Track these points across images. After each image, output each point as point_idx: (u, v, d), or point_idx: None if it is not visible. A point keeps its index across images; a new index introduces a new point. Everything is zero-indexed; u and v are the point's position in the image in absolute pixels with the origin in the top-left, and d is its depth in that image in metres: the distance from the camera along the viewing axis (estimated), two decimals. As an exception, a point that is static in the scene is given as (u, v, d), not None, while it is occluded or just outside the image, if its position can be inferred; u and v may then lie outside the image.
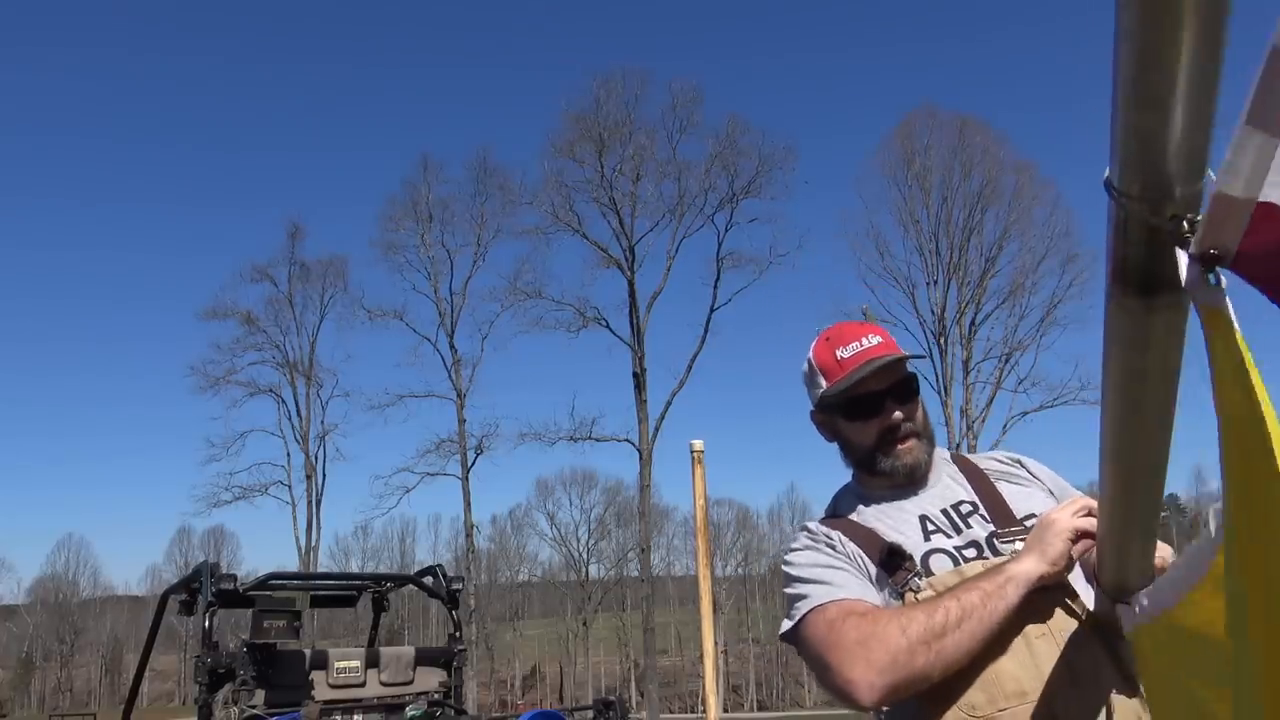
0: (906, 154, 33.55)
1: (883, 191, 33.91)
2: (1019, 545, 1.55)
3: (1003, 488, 1.73)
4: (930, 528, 1.65)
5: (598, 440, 33.51)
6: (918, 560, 1.57)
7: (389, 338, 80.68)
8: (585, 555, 65.23)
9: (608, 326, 33.88)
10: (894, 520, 1.68)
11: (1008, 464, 1.81)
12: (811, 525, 1.74)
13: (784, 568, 1.69)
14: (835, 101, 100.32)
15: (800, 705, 65.84)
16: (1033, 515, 1.63)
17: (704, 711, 4.88)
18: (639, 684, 57.94)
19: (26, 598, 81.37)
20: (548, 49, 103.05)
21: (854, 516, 1.71)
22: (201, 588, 5.60)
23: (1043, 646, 1.46)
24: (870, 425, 1.69)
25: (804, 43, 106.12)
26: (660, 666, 35.93)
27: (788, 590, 1.65)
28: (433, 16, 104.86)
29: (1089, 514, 1.44)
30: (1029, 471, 1.80)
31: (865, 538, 1.64)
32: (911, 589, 1.53)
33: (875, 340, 1.70)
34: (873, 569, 1.59)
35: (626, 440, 33.22)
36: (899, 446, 1.68)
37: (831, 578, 1.59)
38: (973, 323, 32.55)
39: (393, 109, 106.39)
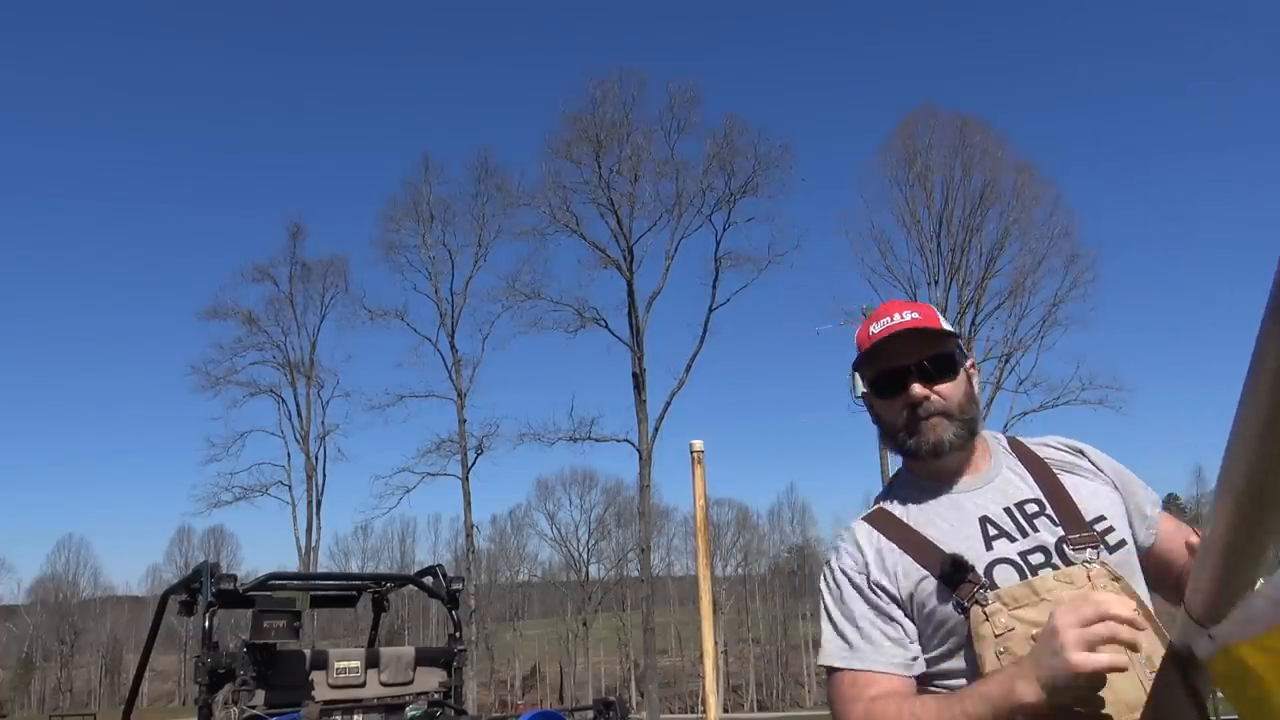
0: (908, 154, 33.58)
1: (884, 191, 33.96)
2: (1089, 554, 1.44)
3: (1066, 481, 1.59)
4: (992, 531, 1.52)
5: (597, 440, 33.52)
6: (980, 571, 1.46)
7: (389, 338, 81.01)
8: (585, 555, 65.32)
9: (607, 327, 33.92)
10: (952, 522, 1.55)
11: (1068, 453, 1.66)
12: (860, 533, 1.61)
13: (821, 586, 1.61)
14: (835, 101, 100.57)
15: (800, 705, 65.82)
16: (1102, 517, 1.52)
17: (704, 711, 4.88)
18: (639, 684, 57.93)
19: (26, 598, 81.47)
20: (548, 49, 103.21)
21: (908, 518, 1.59)
22: (201, 588, 5.58)
23: (1119, 679, 1.30)
24: (896, 402, 1.60)
25: (804, 43, 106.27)
26: (660, 666, 35.94)
27: (822, 614, 1.59)
28: (433, 16, 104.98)
29: (1103, 618, 1.22)
30: (1091, 462, 1.65)
31: (922, 549, 1.52)
32: (979, 602, 1.42)
33: (910, 316, 1.61)
34: (929, 584, 1.49)
35: (626, 440, 33.27)
36: (921, 424, 1.58)
37: (855, 637, 1.51)
38: (973, 323, 32.56)
39: (393, 109, 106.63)
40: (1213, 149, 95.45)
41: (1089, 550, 1.45)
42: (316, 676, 5.68)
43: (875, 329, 1.62)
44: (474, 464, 35.57)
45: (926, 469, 1.62)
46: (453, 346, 36.72)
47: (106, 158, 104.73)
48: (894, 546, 1.55)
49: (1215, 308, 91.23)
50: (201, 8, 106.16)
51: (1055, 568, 1.45)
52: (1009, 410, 32.16)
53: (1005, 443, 1.70)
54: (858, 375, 1.68)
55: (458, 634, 6.47)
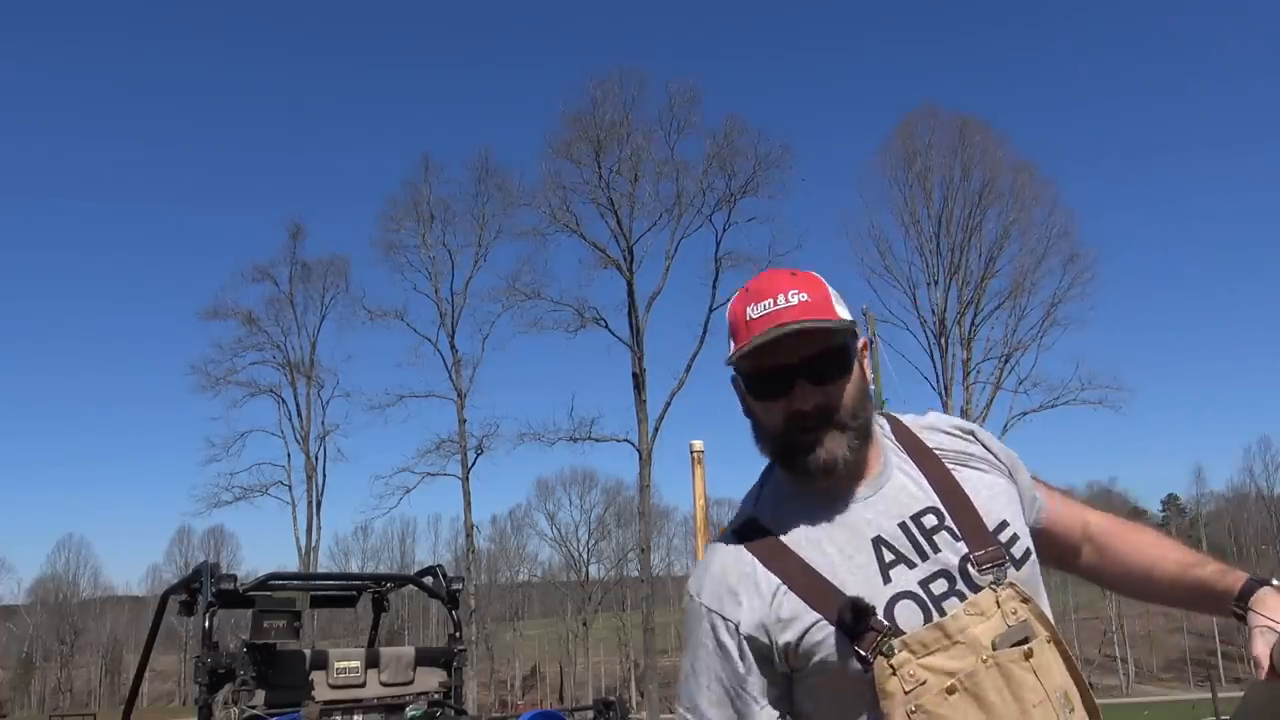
0: (907, 154, 33.65)
1: (884, 191, 34.01)
2: (997, 575, 1.28)
3: (962, 478, 1.37)
4: (889, 557, 1.29)
5: (597, 440, 33.58)
6: (880, 610, 1.24)
7: (389, 338, 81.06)
8: (585, 555, 65.37)
9: (607, 327, 33.96)
10: (841, 546, 1.30)
11: (960, 438, 1.45)
12: (729, 559, 1.35)
13: (685, 630, 1.39)
14: (835, 101, 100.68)
15: (800, 705, 65.77)
16: (1004, 523, 1.34)
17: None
18: (639, 684, 57.95)
19: (26, 598, 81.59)
20: (548, 49, 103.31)
21: (789, 539, 1.33)
22: (201, 588, 5.58)
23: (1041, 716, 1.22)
24: (777, 407, 1.33)
25: (804, 43, 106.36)
26: (660, 666, 35.89)
27: (685, 646, 1.38)
28: (433, 16, 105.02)
29: None
30: (984, 446, 1.45)
31: (811, 588, 1.27)
32: (883, 652, 1.21)
33: (796, 299, 1.31)
34: (821, 632, 1.25)
35: (626, 440, 33.32)
36: (809, 438, 1.31)
37: (705, 703, 1.33)
38: (973, 323, 32.65)
39: (393, 109, 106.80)
40: (1212, 149, 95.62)
41: (996, 570, 1.28)
42: (316, 676, 5.68)
43: (754, 313, 1.32)
44: (474, 464, 35.70)
45: (809, 481, 1.36)
46: (453, 346, 36.83)
47: (106, 158, 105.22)
48: (775, 580, 1.30)
49: (1215, 307, 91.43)
50: (201, 8, 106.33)
51: (961, 595, 1.26)
52: (1009, 410, 32.26)
53: (890, 430, 1.44)
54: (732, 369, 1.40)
55: (458, 634, 6.47)
